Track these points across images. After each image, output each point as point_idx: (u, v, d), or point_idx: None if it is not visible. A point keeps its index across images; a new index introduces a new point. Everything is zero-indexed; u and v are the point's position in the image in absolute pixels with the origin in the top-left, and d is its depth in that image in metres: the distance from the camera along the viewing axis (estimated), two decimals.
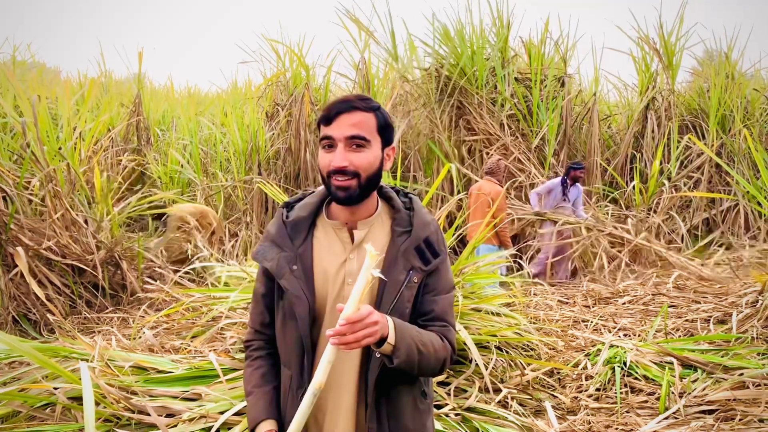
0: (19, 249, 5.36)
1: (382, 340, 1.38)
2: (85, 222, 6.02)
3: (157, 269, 6.64)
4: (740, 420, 3.42)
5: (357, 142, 1.45)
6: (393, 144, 1.56)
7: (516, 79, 9.89)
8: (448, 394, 3.48)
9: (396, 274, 1.50)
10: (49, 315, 5.33)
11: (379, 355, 1.45)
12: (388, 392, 1.52)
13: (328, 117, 1.47)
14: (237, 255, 8.28)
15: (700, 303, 5.77)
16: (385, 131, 1.52)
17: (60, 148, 6.27)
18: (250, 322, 1.68)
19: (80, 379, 2.65)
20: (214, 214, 9.03)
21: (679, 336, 5.00)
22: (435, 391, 3.47)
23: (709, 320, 5.23)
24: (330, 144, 1.47)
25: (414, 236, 1.54)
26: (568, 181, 7.63)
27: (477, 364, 3.58)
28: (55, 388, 2.92)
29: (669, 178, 9.42)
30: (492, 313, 4.13)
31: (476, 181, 7.60)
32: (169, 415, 2.90)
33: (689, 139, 9.42)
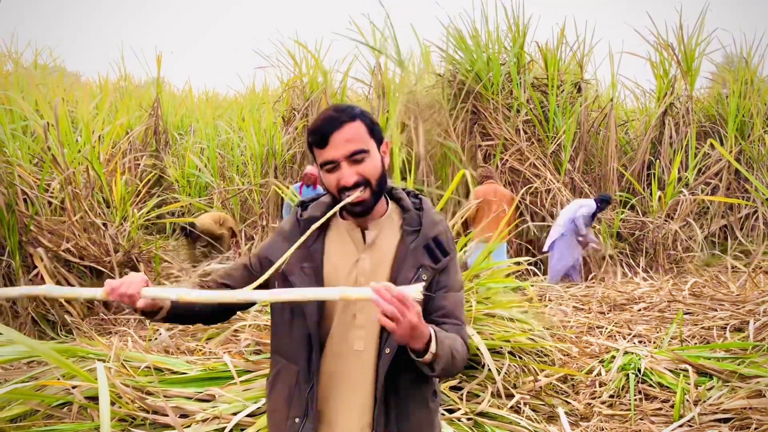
0: (39, 250, 5.45)
1: (425, 351, 1.37)
2: (104, 224, 6.10)
3: (174, 272, 6.72)
4: (756, 429, 3.38)
5: (357, 157, 1.48)
6: (385, 139, 1.58)
7: (532, 84, 9.86)
8: (461, 399, 3.48)
9: (405, 272, 1.52)
10: (67, 316, 5.41)
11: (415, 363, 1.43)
12: (401, 390, 1.54)
13: (322, 140, 1.48)
14: None
15: (716, 310, 5.70)
16: (375, 131, 1.54)
17: (79, 151, 6.36)
18: (218, 275, 1.68)
19: (97, 379, 2.69)
20: (232, 219, 9.19)
21: (695, 343, 4.95)
22: (447, 396, 3.47)
23: (725, 328, 5.17)
24: (333, 167, 1.49)
25: (423, 235, 1.56)
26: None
27: (490, 369, 3.58)
28: (73, 388, 2.97)
29: (687, 185, 9.34)
30: (506, 319, 4.13)
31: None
32: (182, 416, 2.94)
33: (710, 144, 9.32)
